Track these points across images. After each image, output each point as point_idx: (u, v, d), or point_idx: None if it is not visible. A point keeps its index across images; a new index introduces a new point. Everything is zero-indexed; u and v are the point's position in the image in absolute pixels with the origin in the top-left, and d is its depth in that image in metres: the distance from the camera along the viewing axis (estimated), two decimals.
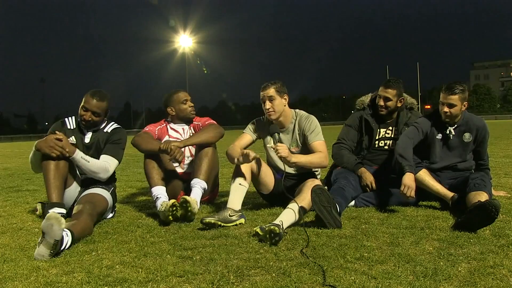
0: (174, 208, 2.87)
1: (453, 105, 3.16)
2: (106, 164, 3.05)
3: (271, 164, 3.40)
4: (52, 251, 2.18)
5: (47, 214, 2.20)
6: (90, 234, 2.64)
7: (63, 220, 2.20)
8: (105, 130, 3.20)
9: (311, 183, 2.91)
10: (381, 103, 3.44)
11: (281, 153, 2.84)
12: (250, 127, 3.36)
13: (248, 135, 3.32)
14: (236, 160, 2.97)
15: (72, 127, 3.20)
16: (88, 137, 3.15)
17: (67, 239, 2.33)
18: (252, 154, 2.88)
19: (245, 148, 3.19)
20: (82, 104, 3.10)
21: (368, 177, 3.33)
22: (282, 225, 2.45)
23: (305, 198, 2.78)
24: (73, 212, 2.80)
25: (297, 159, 2.96)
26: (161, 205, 2.89)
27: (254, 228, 2.51)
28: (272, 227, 2.33)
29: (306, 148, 3.18)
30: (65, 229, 2.34)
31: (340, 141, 3.58)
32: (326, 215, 2.60)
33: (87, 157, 2.98)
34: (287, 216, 2.65)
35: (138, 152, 3.46)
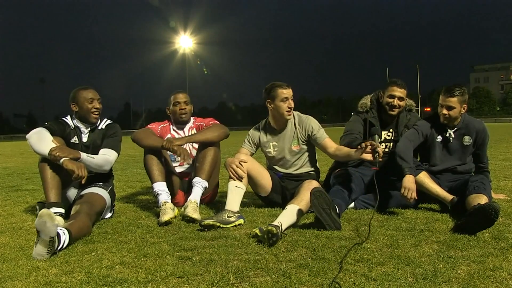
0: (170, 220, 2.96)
1: (452, 107, 3.17)
2: (107, 156, 3.13)
3: (270, 167, 3.42)
4: (49, 249, 2.18)
5: (39, 212, 2.20)
6: (89, 233, 2.64)
7: (56, 216, 2.20)
8: (99, 128, 3.30)
9: (309, 185, 2.94)
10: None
11: (380, 151, 2.77)
12: (247, 140, 3.43)
13: (246, 149, 3.40)
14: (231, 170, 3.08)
15: (72, 127, 3.25)
16: (85, 137, 3.24)
17: (64, 237, 2.33)
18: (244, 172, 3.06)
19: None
20: (91, 96, 3.18)
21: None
22: (281, 226, 2.46)
23: (303, 199, 2.79)
24: (71, 212, 2.81)
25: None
26: (161, 211, 2.99)
27: (254, 229, 2.51)
28: (270, 227, 2.34)
29: (311, 146, 3.32)
30: (62, 228, 2.35)
31: (350, 131, 3.50)
32: (325, 217, 2.61)
33: (90, 155, 3.05)
34: (286, 217, 2.66)
35: (138, 153, 3.47)
